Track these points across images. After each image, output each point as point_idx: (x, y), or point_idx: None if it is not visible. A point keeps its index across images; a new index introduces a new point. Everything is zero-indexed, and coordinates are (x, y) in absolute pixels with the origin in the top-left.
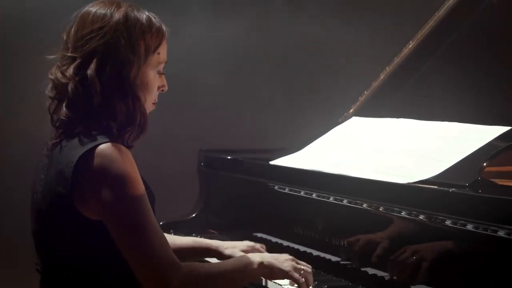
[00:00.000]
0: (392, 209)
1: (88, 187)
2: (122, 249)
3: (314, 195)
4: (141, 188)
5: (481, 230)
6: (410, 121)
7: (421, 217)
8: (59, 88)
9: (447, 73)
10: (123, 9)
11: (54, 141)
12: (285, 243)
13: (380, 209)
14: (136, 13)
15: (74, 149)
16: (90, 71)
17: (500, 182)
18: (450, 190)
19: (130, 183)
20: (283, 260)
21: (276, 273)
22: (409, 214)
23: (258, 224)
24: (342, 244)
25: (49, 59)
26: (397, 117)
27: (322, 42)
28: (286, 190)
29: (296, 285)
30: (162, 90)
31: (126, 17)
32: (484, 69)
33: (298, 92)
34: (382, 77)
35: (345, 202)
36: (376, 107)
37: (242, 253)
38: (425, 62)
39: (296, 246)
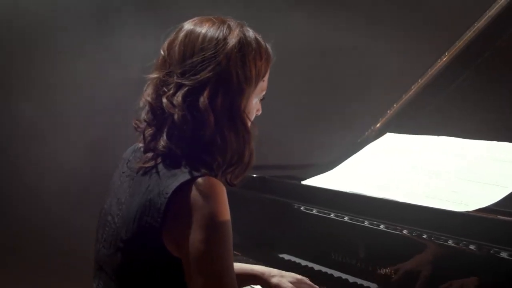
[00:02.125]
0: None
1: (178, 220)
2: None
3: (358, 221)
4: (230, 231)
5: None
6: (453, 139)
7: (491, 252)
8: (159, 114)
9: (486, 88)
10: (236, 32)
11: (145, 165)
12: (317, 267)
13: (434, 239)
14: (247, 36)
15: (170, 179)
16: (202, 101)
17: None
18: None
19: (221, 225)
20: (289, 277)
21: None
22: (478, 248)
23: (288, 246)
24: (386, 273)
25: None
26: (431, 133)
27: (348, 54)
28: (331, 216)
29: None
30: (257, 114)
31: (240, 43)
32: None
33: (322, 104)
34: (413, 89)
35: (394, 230)
36: (407, 122)
37: (289, 284)
38: (460, 75)
39: (330, 271)
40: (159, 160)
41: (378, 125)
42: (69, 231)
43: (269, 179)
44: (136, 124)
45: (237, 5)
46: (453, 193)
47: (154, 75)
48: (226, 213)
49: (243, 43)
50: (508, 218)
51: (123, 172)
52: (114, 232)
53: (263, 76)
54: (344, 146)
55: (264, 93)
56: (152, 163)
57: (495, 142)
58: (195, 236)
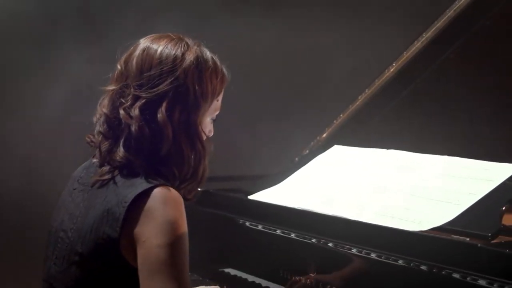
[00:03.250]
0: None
1: (136, 228)
2: None
3: (306, 238)
4: (186, 240)
5: None
6: (403, 153)
7: (443, 272)
8: (115, 125)
9: (433, 99)
10: (194, 49)
11: (102, 178)
12: (264, 283)
13: (384, 258)
14: (204, 54)
15: (128, 188)
16: (161, 114)
17: None
18: (479, 245)
19: (178, 233)
20: None
21: None
22: (428, 269)
23: (234, 261)
24: None
25: None
26: (380, 146)
27: (294, 58)
28: (277, 232)
29: None
30: (208, 136)
31: (198, 60)
32: (475, 97)
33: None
34: (360, 100)
35: (342, 248)
36: (354, 133)
37: None
38: (408, 86)
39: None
40: (116, 172)
41: (324, 135)
42: None
43: (213, 193)
44: (89, 138)
45: (179, 14)
46: (406, 210)
47: (111, 87)
48: (183, 222)
49: (200, 60)
50: (463, 238)
51: (74, 189)
52: (68, 247)
53: (218, 95)
54: (290, 159)
55: (217, 113)
56: (109, 175)
57: (446, 157)
58: (152, 244)
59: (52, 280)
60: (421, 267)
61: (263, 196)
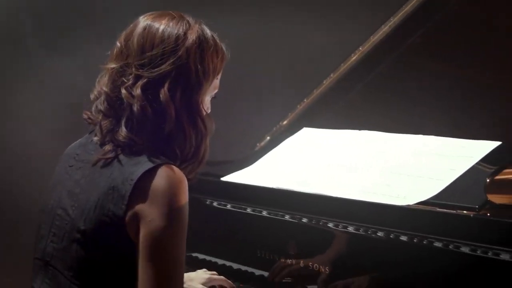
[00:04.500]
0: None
1: (141, 206)
2: (142, 276)
3: (278, 215)
4: (187, 220)
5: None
6: (376, 133)
7: (436, 244)
8: (116, 105)
9: (400, 83)
10: (195, 28)
11: (105, 157)
12: (235, 265)
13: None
14: (205, 33)
15: (134, 166)
16: (163, 94)
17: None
18: (472, 215)
19: (182, 213)
20: None
21: None
22: (420, 241)
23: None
24: (323, 271)
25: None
26: (346, 128)
27: (258, 46)
28: (247, 211)
29: None
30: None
31: (199, 39)
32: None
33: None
34: (325, 84)
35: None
36: (320, 118)
37: (201, 286)
38: (374, 70)
39: (250, 270)
40: (119, 151)
41: (285, 121)
42: None
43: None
44: (87, 115)
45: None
46: (387, 186)
47: (111, 66)
48: (186, 203)
49: (202, 39)
50: (450, 210)
51: (71, 166)
52: (68, 224)
53: (218, 74)
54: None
55: (216, 91)
56: (112, 154)
57: (421, 136)
58: (157, 225)
59: (48, 258)
60: (401, 238)
61: (232, 177)
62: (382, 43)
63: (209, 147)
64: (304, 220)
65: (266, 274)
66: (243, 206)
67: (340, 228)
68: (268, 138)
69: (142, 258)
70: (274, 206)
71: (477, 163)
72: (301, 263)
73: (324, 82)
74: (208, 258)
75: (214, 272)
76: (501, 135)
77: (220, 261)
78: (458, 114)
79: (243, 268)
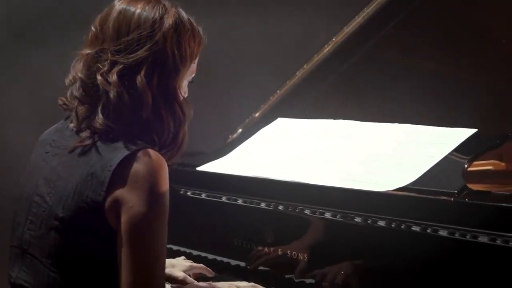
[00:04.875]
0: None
1: (121, 192)
2: (124, 262)
3: (254, 203)
4: (168, 206)
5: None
6: (352, 122)
7: (414, 228)
8: (92, 91)
9: (374, 73)
10: (172, 12)
11: (82, 144)
12: (210, 256)
13: (340, 217)
14: (182, 17)
15: (112, 152)
16: (140, 80)
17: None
18: (452, 199)
19: (162, 199)
20: (227, 286)
21: None
22: (398, 226)
23: (176, 236)
24: (302, 258)
25: None
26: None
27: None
28: (222, 199)
29: None
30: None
31: (176, 23)
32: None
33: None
34: (298, 76)
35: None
36: (293, 109)
37: (182, 273)
38: (348, 60)
39: (226, 260)
40: (96, 138)
41: (258, 113)
42: None
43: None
44: (62, 101)
45: None
46: (366, 174)
47: (86, 51)
48: (167, 187)
49: (178, 23)
50: (428, 196)
51: (47, 152)
52: (46, 212)
53: (195, 58)
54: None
55: (193, 75)
56: (89, 141)
57: (397, 124)
58: (138, 211)
59: (26, 246)
60: (378, 223)
61: (208, 167)
62: (356, 33)
63: (187, 132)
64: (280, 207)
65: (242, 263)
66: (218, 195)
67: (317, 214)
68: (240, 130)
69: (124, 245)
70: (250, 194)
71: (454, 150)
72: (279, 251)
73: (297, 73)
74: (182, 249)
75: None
76: (476, 123)
77: (195, 252)
78: (433, 103)
79: (219, 258)
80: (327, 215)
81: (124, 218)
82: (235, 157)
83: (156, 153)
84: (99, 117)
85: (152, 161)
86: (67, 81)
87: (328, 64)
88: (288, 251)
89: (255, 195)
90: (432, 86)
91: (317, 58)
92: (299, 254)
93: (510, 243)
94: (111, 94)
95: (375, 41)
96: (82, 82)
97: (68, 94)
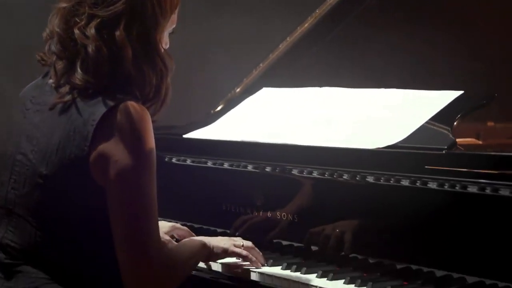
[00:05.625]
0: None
1: (105, 146)
2: (115, 218)
3: (240, 166)
4: (155, 158)
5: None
6: (338, 89)
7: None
8: (70, 46)
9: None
10: None
11: (62, 100)
12: (197, 225)
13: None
14: None
15: (94, 106)
16: (119, 34)
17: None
18: (444, 151)
19: (148, 150)
20: (219, 240)
21: (216, 252)
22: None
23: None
24: (292, 219)
25: None
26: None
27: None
28: (208, 164)
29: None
30: (164, 48)
31: None
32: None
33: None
34: (281, 47)
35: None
36: (276, 79)
37: (165, 236)
38: (332, 30)
39: (212, 228)
40: (75, 94)
41: (239, 88)
42: None
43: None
44: (40, 57)
45: None
46: (354, 135)
47: (62, 5)
48: (152, 139)
49: None
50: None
51: (28, 109)
52: (30, 170)
53: (175, 9)
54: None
55: (174, 26)
56: (69, 97)
57: (383, 89)
58: (123, 161)
59: (11, 206)
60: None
61: (192, 135)
62: (339, 4)
63: (170, 86)
64: (268, 169)
65: (228, 231)
66: (203, 160)
67: (305, 174)
68: (222, 105)
69: (113, 200)
70: (236, 157)
71: (441, 110)
72: (268, 214)
73: (280, 46)
74: (168, 220)
75: None
76: (462, 85)
77: (181, 222)
78: (418, 67)
79: (205, 227)
80: (315, 173)
81: (110, 173)
82: (220, 124)
83: (139, 105)
84: (78, 72)
85: (135, 113)
86: (44, 35)
87: (312, 36)
88: (278, 213)
89: (241, 158)
90: (417, 49)
91: (300, 30)
92: (289, 215)
93: (500, 191)
94: (90, 49)
95: (359, 10)
96: (59, 36)
97: (46, 49)
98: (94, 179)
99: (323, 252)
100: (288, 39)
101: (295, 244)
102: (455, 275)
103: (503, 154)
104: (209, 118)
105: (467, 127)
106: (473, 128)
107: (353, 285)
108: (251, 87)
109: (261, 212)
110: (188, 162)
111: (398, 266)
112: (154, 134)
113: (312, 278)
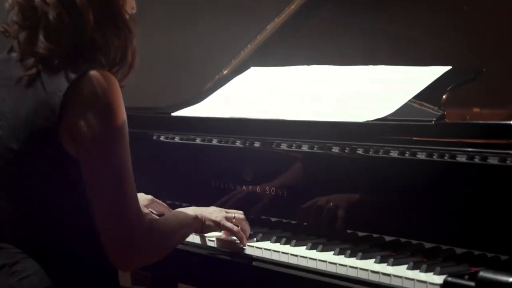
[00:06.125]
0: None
1: (74, 117)
2: (93, 189)
3: (229, 142)
4: (127, 125)
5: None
6: (326, 66)
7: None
8: (30, 14)
9: (344, 18)
10: None
11: (28, 73)
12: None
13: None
14: None
15: (60, 78)
16: None
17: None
18: (433, 122)
19: (120, 115)
20: (211, 211)
21: (208, 225)
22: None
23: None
24: (281, 193)
25: None
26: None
27: None
28: (196, 141)
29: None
30: (131, 14)
31: None
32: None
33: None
34: (269, 28)
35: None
36: (264, 60)
37: (145, 209)
38: (321, 10)
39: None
40: (40, 67)
41: (226, 70)
42: None
43: (129, 115)
44: (4, 28)
45: None
46: (343, 110)
47: None
48: (121, 106)
49: None
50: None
51: None
52: (0, 145)
53: None
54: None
55: None
56: (34, 70)
57: (371, 66)
58: (94, 130)
59: None
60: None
61: (180, 113)
62: None
63: (137, 49)
64: (257, 144)
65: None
66: (191, 137)
67: (294, 148)
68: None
69: (89, 171)
70: (225, 133)
71: (429, 85)
72: (257, 189)
73: (268, 27)
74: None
75: None
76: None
77: (170, 202)
78: (407, 46)
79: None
80: (304, 147)
81: (83, 144)
82: (208, 103)
83: (106, 72)
84: (41, 41)
85: (103, 81)
86: (7, 5)
87: (299, 17)
88: (267, 187)
89: (230, 134)
90: (403, 26)
91: (288, 11)
92: (279, 190)
93: (488, 160)
94: (51, 16)
95: None
96: (19, 5)
97: (9, 19)
98: (67, 151)
99: (313, 227)
100: (276, 19)
101: (284, 220)
102: (444, 247)
103: (491, 123)
104: (197, 97)
105: (454, 112)
106: (459, 113)
107: (342, 256)
108: (239, 68)
109: (250, 188)
110: (177, 139)
111: (387, 239)
112: (142, 114)
113: (302, 250)
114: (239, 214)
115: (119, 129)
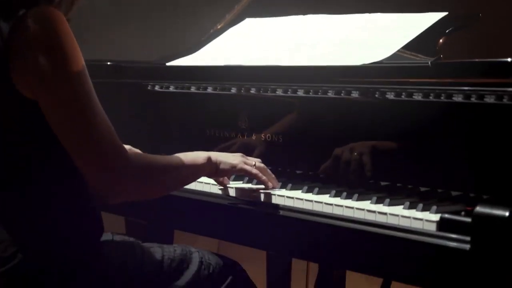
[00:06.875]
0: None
1: (25, 59)
2: (59, 129)
3: (225, 89)
4: (81, 58)
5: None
6: (322, 15)
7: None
8: None
9: None
10: None
11: None
12: None
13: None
14: None
15: (1, 22)
16: None
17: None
18: (429, 63)
19: (71, 50)
20: (229, 155)
21: (224, 168)
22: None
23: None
24: (277, 140)
25: None
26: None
27: None
28: (191, 90)
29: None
30: None
31: None
32: None
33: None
34: None
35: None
36: (259, 11)
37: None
38: None
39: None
40: None
41: (220, 25)
42: None
43: (124, 66)
44: None
45: None
46: (338, 56)
47: None
48: (72, 39)
49: None
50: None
51: None
52: None
53: None
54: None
55: None
56: None
57: (367, 14)
58: (48, 69)
59: None
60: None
61: (175, 62)
62: None
63: None
64: (252, 90)
65: None
66: (186, 85)
67: (289, 93)
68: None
69: (53, 113)
70: (219, 81)
71: (425, 30)
72: (253, 137)
73: None
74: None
75: None
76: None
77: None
78: None
79: None
80: (300, 92)
81: (40, 86)
82: (203, 53)
83: (48, 7)
84: None
85: (47, 17)
86: None
87: None
88: (263, 135)
89: (225, 81)
90: None
91: None
92: (274, 136)
93: (485, 99)
94: None
95: None
96: None
97: None
98: (24, 96)
99: (308, 172)
100: None
101: (279, 168)
102: (439, 190)
103: (488, 60)
104: (192, 48)
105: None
106: None
107: (338, 198)
108: (234, 21)
109: (245, 135)
110: (171, 88)
111: (382, 183)
112: (136, 65)
113: (298, 193)
114: (259, 163)
115: (73, 63)
